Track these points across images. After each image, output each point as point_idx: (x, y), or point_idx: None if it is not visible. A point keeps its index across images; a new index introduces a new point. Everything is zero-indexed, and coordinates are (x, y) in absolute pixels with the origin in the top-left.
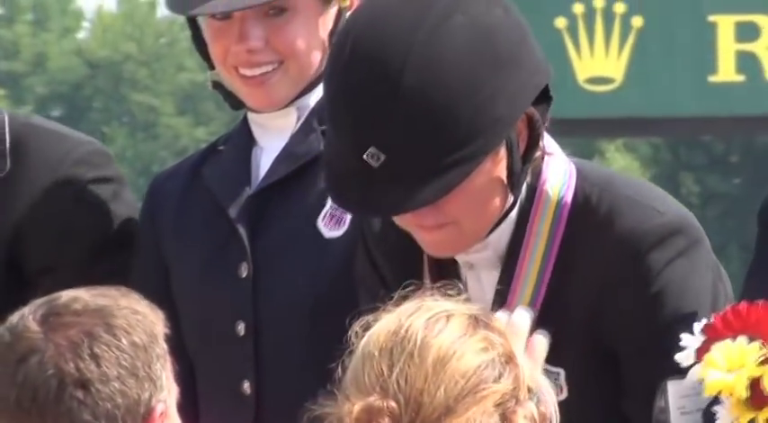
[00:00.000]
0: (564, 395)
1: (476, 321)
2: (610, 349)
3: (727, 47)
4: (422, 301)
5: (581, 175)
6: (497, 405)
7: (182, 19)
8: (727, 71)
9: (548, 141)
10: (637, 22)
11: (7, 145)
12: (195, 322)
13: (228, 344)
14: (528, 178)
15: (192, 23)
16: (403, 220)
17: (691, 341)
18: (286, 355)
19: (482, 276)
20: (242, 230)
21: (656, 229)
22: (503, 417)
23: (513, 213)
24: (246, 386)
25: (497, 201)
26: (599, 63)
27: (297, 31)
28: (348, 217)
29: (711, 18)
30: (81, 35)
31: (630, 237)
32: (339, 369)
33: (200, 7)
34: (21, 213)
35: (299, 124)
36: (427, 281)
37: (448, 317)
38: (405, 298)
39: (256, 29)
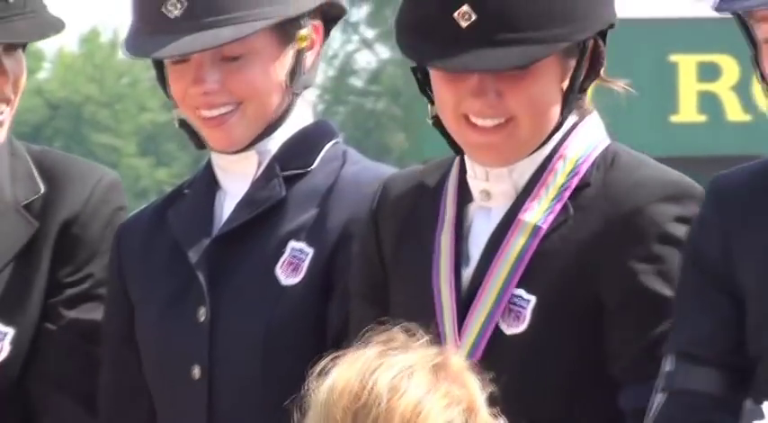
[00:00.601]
0: (523, 327)
1: (437, 372)
2: (596, 300)
3: (688, 87)
4: (383, 355)
5: (615, 143)
6: None
7: (143, 59)
8: (688, 111)
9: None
10: None
11: (34, 170)
12: (154, 365)
13: (184, 387)
14: (573, 119)
15: (158, 63)
16: (460, 103)
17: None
18: (238, 400)
19: (492, 212)
20: (201, 276)
21: (677, 186)
22: None
23: (548, 146)
24: None
25: (554, 114)
26: None
27: (254, 73)
28: (306, 264)
29: (673, 58)
30: (42, 76)
31: (649, 183)
32: (296, 412)
33: (159, 51)
34: (59, 231)
35: (262, 170)
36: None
37: (411, 373)
38: (367, 342)
39: (212, 72)
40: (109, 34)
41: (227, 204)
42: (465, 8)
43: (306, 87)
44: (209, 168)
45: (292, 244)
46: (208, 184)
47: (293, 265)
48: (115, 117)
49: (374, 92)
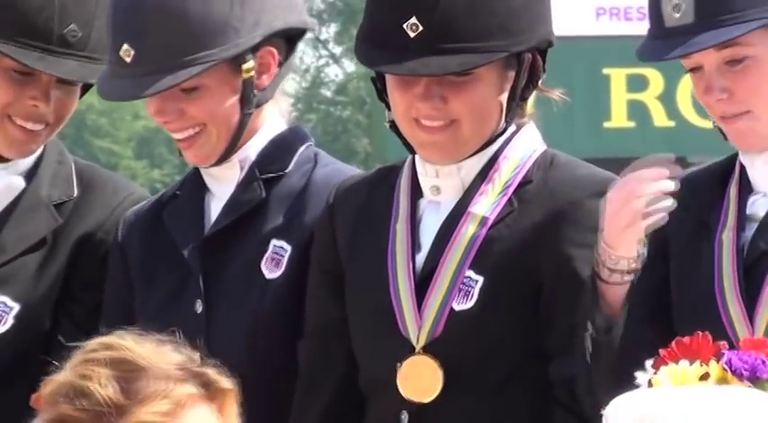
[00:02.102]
0: (471, 304)
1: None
2: (536, 280)
3: (619, 96)
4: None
5: (551, 148)
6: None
7: None
8: (619, 118)
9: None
10: None
11: (74, 177)
12: None
13: None
14: (513, 127)
15: None
16: (410, 107)
17: (642, 376)
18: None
19: (441, 205)
20: (196, 272)
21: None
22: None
23: (492, 148)
24: None
25: (494, 118)
26: None
27: (209, 101)
28: (285, 259)
29: (606, 71)
30: None
31: (586, 180)
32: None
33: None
34: (84, 233)
35: (243, 174)
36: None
37: (159, 341)
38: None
39: (171, 103)
40: None
41: (215, 206)
42: (413, 20)
43: (264, 102)
44: (197, 173)
45: (274, 242)
46: (198, 187)
47: (275, 260)
48: (113, 124)
49: (341, 101)
